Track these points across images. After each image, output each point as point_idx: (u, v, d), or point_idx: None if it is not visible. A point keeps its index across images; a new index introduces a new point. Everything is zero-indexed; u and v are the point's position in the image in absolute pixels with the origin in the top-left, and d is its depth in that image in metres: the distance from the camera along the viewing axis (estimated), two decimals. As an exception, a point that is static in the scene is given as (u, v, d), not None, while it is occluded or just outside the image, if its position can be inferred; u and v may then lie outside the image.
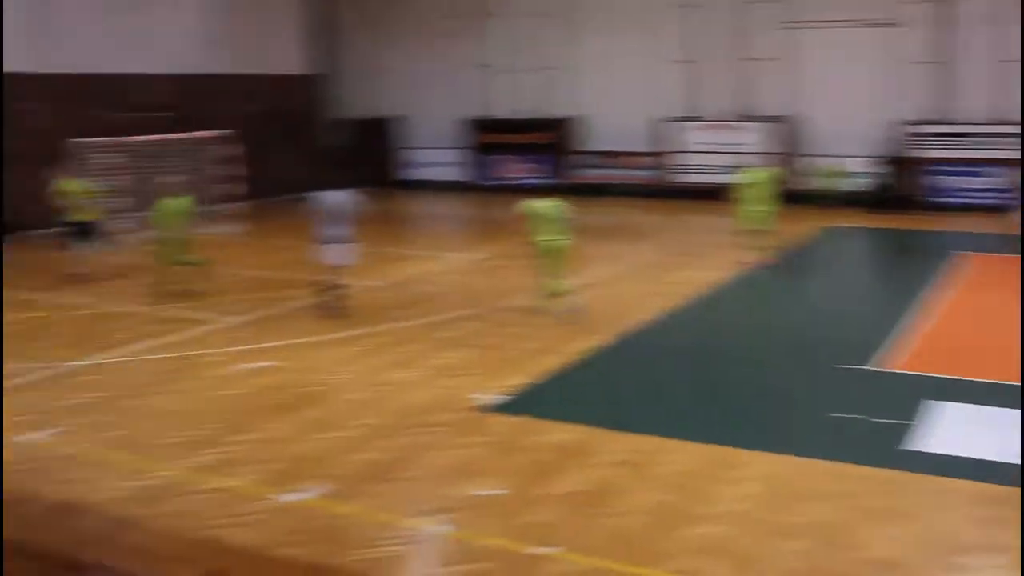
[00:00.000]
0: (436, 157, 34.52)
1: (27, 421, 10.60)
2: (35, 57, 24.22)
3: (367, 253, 20.90)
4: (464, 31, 33.62)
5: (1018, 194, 24.24)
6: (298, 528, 7.99)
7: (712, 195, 29.31)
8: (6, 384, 11.94)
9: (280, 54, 31.87)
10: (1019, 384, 11.27)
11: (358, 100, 35.56)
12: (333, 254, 15.09)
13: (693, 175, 30.56)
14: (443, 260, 20.62)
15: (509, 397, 11.31)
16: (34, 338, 14.29)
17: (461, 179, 33.96)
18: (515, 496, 8.54)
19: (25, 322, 15.21)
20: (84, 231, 18.71)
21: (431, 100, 34.48)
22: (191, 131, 25.56)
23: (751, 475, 8.95)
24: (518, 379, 11.97)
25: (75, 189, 18.72)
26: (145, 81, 27.34)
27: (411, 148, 35.10)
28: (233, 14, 29.60)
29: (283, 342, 13.91)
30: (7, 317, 15.40)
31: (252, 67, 30.62)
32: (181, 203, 17.38)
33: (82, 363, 12.91)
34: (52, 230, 20.79)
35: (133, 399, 11.42)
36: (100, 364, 12.90)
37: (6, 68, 23.95)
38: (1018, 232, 21.20)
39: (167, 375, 12.39)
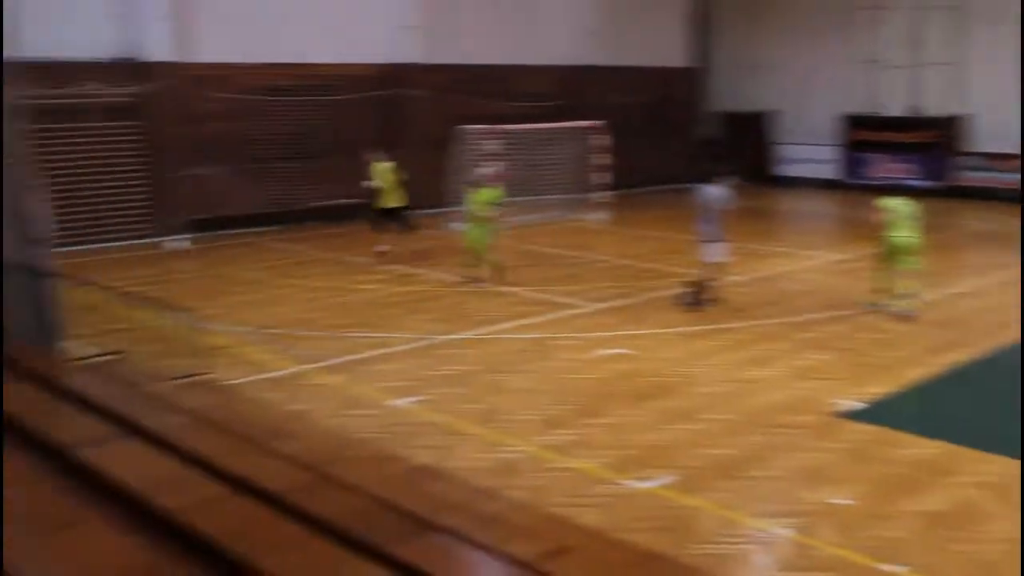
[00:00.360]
0: (810, 154, 33.58)
1: (398, 387, 11.35)
2: (428, 49, 25.75)
3: (734, 248, 20.84)
4: (845, 25, 32.45)
5: None
6: (642, 515, 8.07)
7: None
8: (385, 351, 12.83)
9: (660, 47, 32.18)
10: None
11: (734, 94, 35.27)
12: (713, 251, 15.11)
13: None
14: (809, 259, 20.10)
15: (869, 405, 10.88)
16: (412, 311, 15.23)
17: (835, 177, 32.88)
18: (866, 508, 8.22)
19: (405, 295, 16.25)
20: (390, 215, 19.59)
21: (808, 95, 33.57)
22: (569, 121, 26.31)
23: None
24: (880, 387, 11.48)
25: (388, 174, 19.60)
26: (528, 72, 28.44)
27: (785, 144, 34.36)
28: (615, 7, 30.15)
29: (643, 331, 14.05)
30: (390, 289, 16.55)
31: (630, 59, 31.09)
32: (490, 194, 17.69)
33: (451, 337, 13.63)
34: (435, 211, 22.13)
35: (495, 375, 11.93)
36: (467, 339, 13.56)
37: (400, 59, 25.59)
38: None
39: (528, 354, 12.85)
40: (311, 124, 24.44)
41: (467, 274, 17.42)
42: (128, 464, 5.86)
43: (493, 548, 5.40)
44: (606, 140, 25.16)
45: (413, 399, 10.94)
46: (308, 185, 24.08)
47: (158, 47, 21.55)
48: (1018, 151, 29.18)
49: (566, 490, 8.54)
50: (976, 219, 25.77)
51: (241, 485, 5.71)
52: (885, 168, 31.66)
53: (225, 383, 10.69)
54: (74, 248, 19.05)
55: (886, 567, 7.20)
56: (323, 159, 24.54)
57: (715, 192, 15.18)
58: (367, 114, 25.28)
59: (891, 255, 14.80)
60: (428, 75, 26.04)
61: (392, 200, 19.61)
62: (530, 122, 25.29)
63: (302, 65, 23.82)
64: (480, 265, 17.33)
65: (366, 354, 12.72)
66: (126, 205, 21.40)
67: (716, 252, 15.20)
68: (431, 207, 24.46)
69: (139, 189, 21.61)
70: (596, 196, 25.26)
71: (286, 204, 23.70)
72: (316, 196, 24.16)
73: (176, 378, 9.72)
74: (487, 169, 20.18)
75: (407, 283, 17.23)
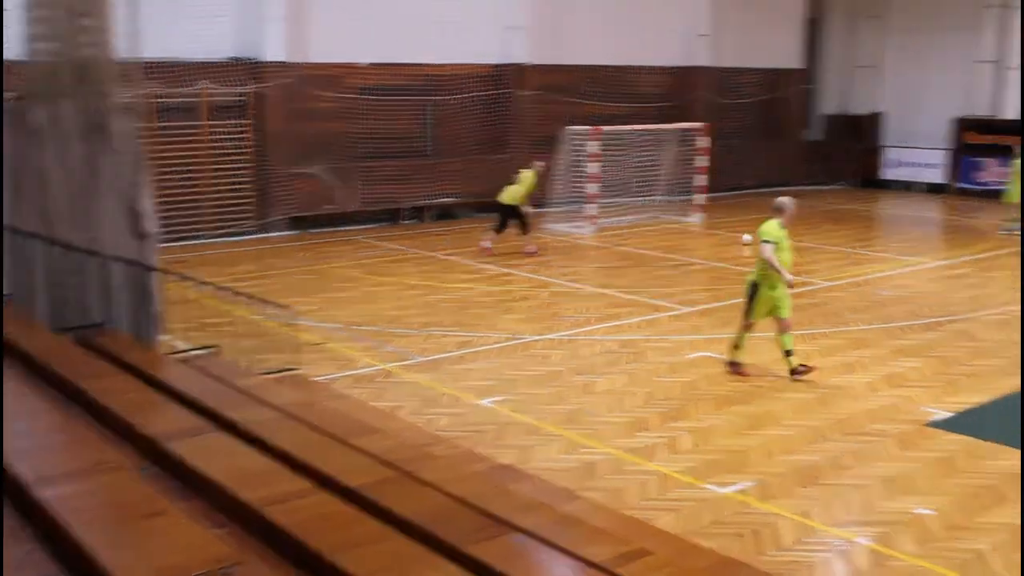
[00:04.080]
0: (918, 157, 32.94)
1: (485, 386, 11.51)
2: (535, 50, 25.91)
3: (832, 253, 20.62)
4: (959, 25, 31.76)
5: None
6: (720, 520, 8.10)
7: None
8: (474, 350, 13.01)
9: (769, 48, 31.77)
10: None
11: (843, 96, 34.78)
12: None
13: None
14: (909, 264, 19.76)
15: (958, 414, 10.73)
16: (505, 310, 15.39)
17: (943, 181, 32.20)
18: (948, 519, 8.13)
19: (499, 294, 16.41)
20: (515, 214, 19.92)
21: (918, 97, 32.93)
22: (676, 122, 26.27)
23: None
24: (973, 397, 11.31)
25: (528, 180, 19.95)
26: (636, 73, 28.45)
27: (893, 147, 33.75)
28: (724, 7, 29.95)
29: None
30: (483, 288, 16.74)
31: (740, 60, 30.84)
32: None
33: (542, 337, 13.75)
34: (540, 209, 22.34)
35: (582, 376, 12.02)
36: (556, 340, 13.67)
37: (510, 59, 25.82)
38: None
39: (616, 356, 12.91)
40: (417, 124, 24.79)
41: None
42: (215, 457, 6.08)
43: (569, 550, 5.51)
44: (708, 142, 25.07)
45: (499, 399, 11.08)
46: (412, 184, 24.40)
47: (272, 47, 22.05)
48: None
49: (646, 493, 8.61)
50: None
51: (324, 481, 5.89)
52: (996, 172, 30.90)
53: (315, 379, 10.97)
54: (177, 244, 19.61)
55: (966, 580, 7.15)
56: (428, 159, 24.87)
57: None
58: (474, 114, 25.54)
59: None
60: (535, 75, 26.15)
61: (521, 200, 19.93)
62: (637, 123, 25.32)
63: (410, 65, 24.13)
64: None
65: (454, 352, 12.92)
66: (231, 201, 21.95)
67: None
68: (535, 207, 24.65)
69: (245, 185, 22.14)
70: (697, 198, 25.17)
71: (389, 202, 24.04)
72: (419, 195, 24.49)
73: (267, 373, 10.02)
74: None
75: (500, 282, 17.40)
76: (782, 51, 32.27)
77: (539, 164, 20.60)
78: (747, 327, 12.11)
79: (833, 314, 15.31)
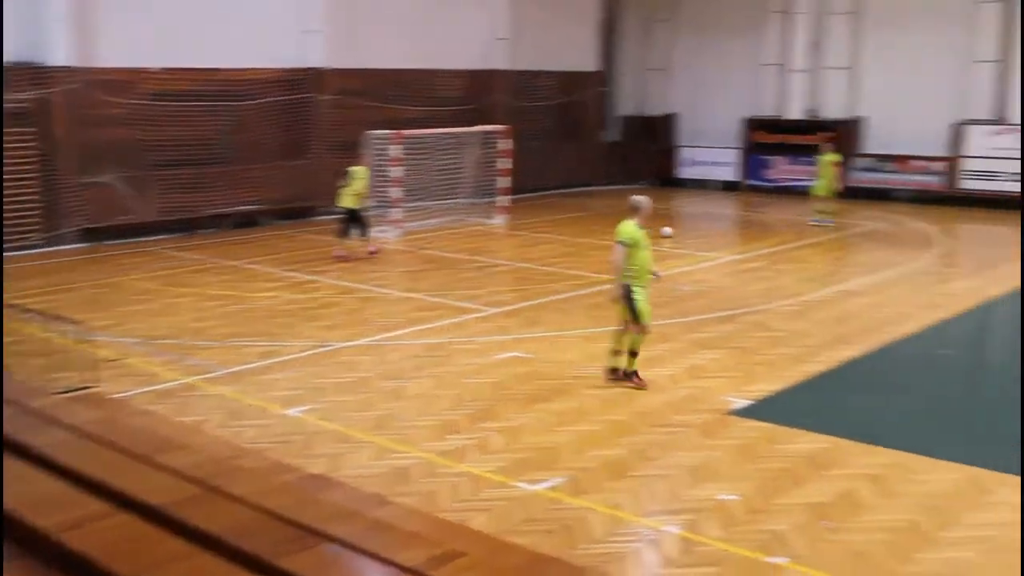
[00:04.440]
0: (711, 156, 34.17)
1: (292, 396, 11.30)
2: (334, 54, 25.63)
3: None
4: (746, 29, 33.12)
5: None
6: (533, 518, 8.17)
7: (1003, 204, 27.85)
8: (278, 360, 12.76)
9: (567, 52, 32.35)
10: None
11: (639, 98, 35.76)
12: None
13: (985, 182, 28.93)
14: (705, 260, 20.44)
15: (757, 402, 11.14)
16: (311, 317, 15.16)
17: (735, 179, 33.49)
18: (751, 502, 8.42)
19: (304, 302, 16.15)
20: (355, 218, 19.83)
21: (711, 99, 34.19)
22: (477, 125, 26.42)
23: (1008, 501, 8.47)
24: (770, 384, 11.76)
25: (361, 178, 19.82)
26: (436, 76, 28.49)
27: (687, 147, 34.89)
28: (522, 12, 30.30)
29: (539, 334, 14.19)
30: (289, 296, 16.45)
31: (538, 63, 31.27)
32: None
33: (349, 344, 13.60)
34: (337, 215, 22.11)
35: (391, 381, 11.95)
36: (364, 346, 13.54)
37: (309, 64, 25.48)
38: None
39: (425, 360, 12.88)
40: (214, 130, 24.11)
41: None
42: (6, 485, 5.76)
43: (382, 555, 5.44)
44: (509, 144, 25.33)
45: (307, 407, 10.90)
46: (210, 192, 23.76)
47: (57, 51, 21.09)
48: (911, 153, 30.08)
49: (458, 495, 8.61)
50: (868, 219, 26.43)
51: (125, 501, 5.65)
52: (785, 170, 32.33)
53: (113, 396, 10.55)
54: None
55: (770, 559, 7.41)
56: (226, 165, 24.24)
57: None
58: (272, 119, 25.04)
59: None
60: (334, 79, 25.86)
61: (357, 201, 19.83)
62: (438, 126, 25.36)
63: (204, 70, 23.49)
64: None
65: (259, 363, 12.63)
66: (17, 214, 20.91)
67: None
68: (337, 212, 24.39)
69: (31, 197, 21.12)
70: (499, 200, 25.41)
71: (187, 211, 23.34)
72: (217, 203, 23.86)
73: (62, 392, 9.58)
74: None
75: (306, 290, 17.13)
76: (579, 54, 32.91)
77: (365, 162, 20.65)
78: (642, 330, 11.78)
79: (635, 310, 15.65)
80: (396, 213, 23.02)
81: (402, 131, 23.27)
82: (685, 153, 34.85)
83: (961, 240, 24.80)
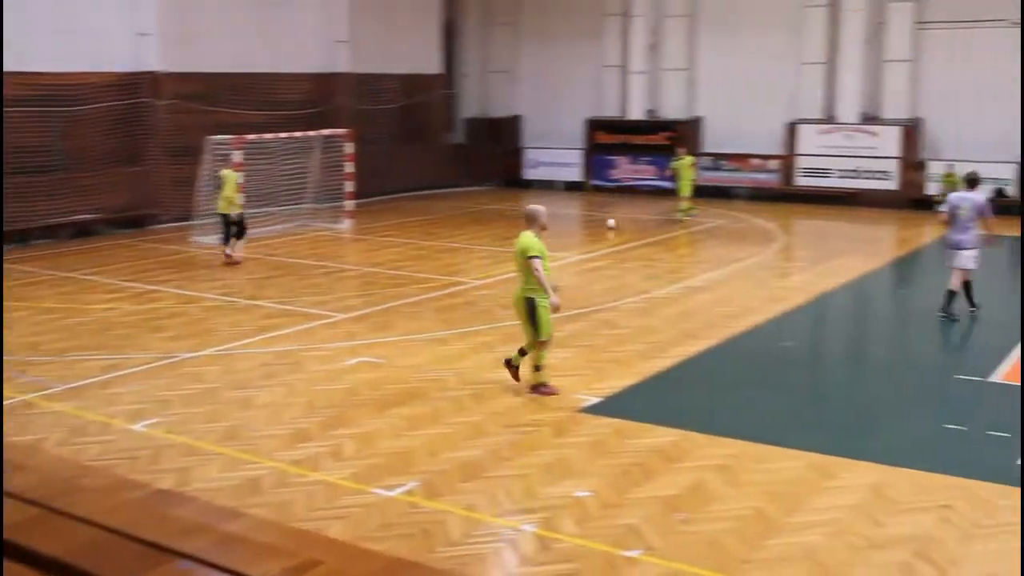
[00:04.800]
0: (555, 157, 34.55)
1: (136, 410, 10.95)
2: (170, 56, 25.00)
3: (480, 252, 21.20)
4: (587, 32, 33.60)
5: None
6: (389, 523, 8.10)
7: (836, 200, 28.97)
8: (121, 374, 12.36)
9: (411, 54, 32.22)
10: None
11: (485, 100, 35.91)
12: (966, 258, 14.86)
13: (818, 179, 30.00)
14: (553, 260, 20.51)
15: (607, 399, 11.28)
16: (153, 328, 14.73)
17: (580, 180, 33.93)
18: (605, 498, 8.52)
19: (145, 313, 15.70)
20: (230, 223, 19.73)
21: (553, 100, 34.59)
22: (321, 129, 26.11)
23: (850, 485, 8.77)
24: (620, 381, 11.93)
25: (230, 182, 19.70)
26: (278, 80, 28.04)
27: (532, 148, 35.19)
28: (365, 15, 30.08)
29: (390, 338, 14.10)
30: (130, 307, 15.96)
31: (382, 66, 31.07)
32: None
33: (195, 354, 13.27)
34: (184, 223, 21.61)
35: (239, 391, 11.70)
36: (210, 356, 13.23)
37: (143, 67, 24.79)
38: None
39: (273, 368, 12.65)
40: (45, 137, 23.21)
41: None
42: None
43: (235, 569, 5.31)
44: (353, 148, 25.12)
45: (152, 421, 10.58)
46: (43, 201, 22.83)
47: None
48: (748, 152, 31.00)
49: (312, 504, 8.48)
50: (710, 216, 27.09)
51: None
52: (627, 170, 32.91)
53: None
54: None
55: (625, 553, 7.50)
56: (60, 174, 23.35)
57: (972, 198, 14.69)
58: (107, 125, 24.24)
59: None
60: (170, 84, 25.18)
61: (228, 206, 19.65)
62: (280, 131, 24.97)
63: (32, 74, 22.52)
64: None
65: (100, 377, 12.19)
66: None
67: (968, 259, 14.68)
68: (178, 219, 23.84)
69: None
70: (345, 204, 25.18)
71: (19, 222, 22.38)
72: (51, 213, 22.98)
73: None
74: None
75: (147, 300, 16.65)
76: (421, 57, 32.83)
77: (234, 164, 20.47)
78: (542, 345, 11.41)
79: (484, 312, 15.73)
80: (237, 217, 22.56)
81: (244, 136, 22.84)
82: (530, 154, 35.16)
83: (798, 235, 25.64)
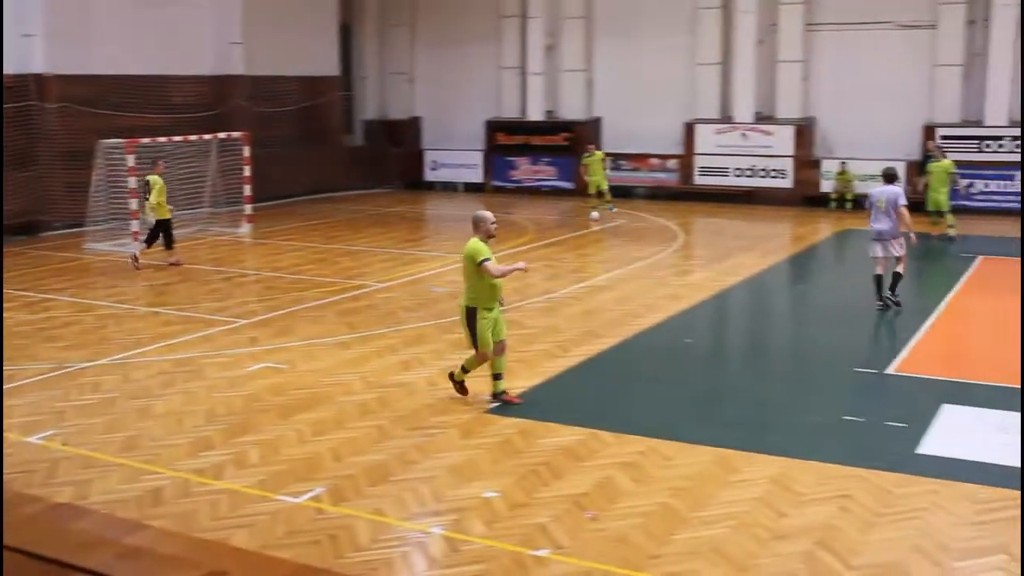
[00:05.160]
0: (456, 159, 34.52)
1: (30, 422, 10.65)
2: (57, 58, 24.36)
3: (382, 255, 21.09)
4: (485, 33, 33.64)
5: None
6: (295, 530, 8.00)
7: (733, 198, 29.45)
8: (14, 385, 12.00)
9: (308, 57, 31.84)
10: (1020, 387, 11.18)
11: (384, 102, 35.73)
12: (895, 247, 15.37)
13: (716, 178, 30.44)
14: (456, 262, 20.55)
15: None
16: (48, 338, 14.35)
17: (481, 181, 33.96)
18: (514, 498, 8.52)
19: (39, 322, 15.29)
20: (160, 227, 19.72)
21: (453, 102, 34.56)
22: (218, 132, 25.70)
23: (754, 478, 8.91)
24: (526, 381, 11.94)
25: (155, 187, 19.56)
26: (171, 82, 27.52)
27: (432, 149, 35.11)
28: (261, 16, 29.67)
29: (292, 343, 13.93)
30: (23, 316, 15.52)
31: (279, 69, 30.68)
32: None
33: (91, 364, 12.96)
34: (79, 228, 21.10)
35: (138, 400, 11.45)
36: (108, 365, 12.94)
37: (34, 70, 24.14)
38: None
39: (173, 376, 12.41)
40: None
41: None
42: None
43: (138, 582, 5.18)
44: (250, 151, 24.77)
45: (48, 433, 10.29)
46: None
47: None
48: (647, 151, 31.34)
49: (217, 513, 8.33)
50: (609, 216, 27.31)
51: None
52: (528, 171, 33.02)
53: None
54: None
55: (534, 552, 7.51)
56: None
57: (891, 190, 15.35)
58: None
59: None
60: (58, 86, 24.51)
61: (159, 210, 19.53)
62: (177, 134, 24.50)
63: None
64: None
65: (-7, 389, 11.85)
66: None
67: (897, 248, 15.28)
68: (71, 225, 23.29)
69: None
70: (243, 209, 24.83)
71: None
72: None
73: None
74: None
75: (39, 309, 16.19)
76: (319, 59, 32.49)
77: (160, 167, 20.37)
78: (478, 357, 11.00)
79: (388, 314, 15.64)
80: (135, 225, 22.05)
81: (137, 139, 22.36)
82: (431, 156, 35.07)
83: (697, 234, 25.97)
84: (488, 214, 11.32)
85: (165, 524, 7.90)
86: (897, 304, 15.27)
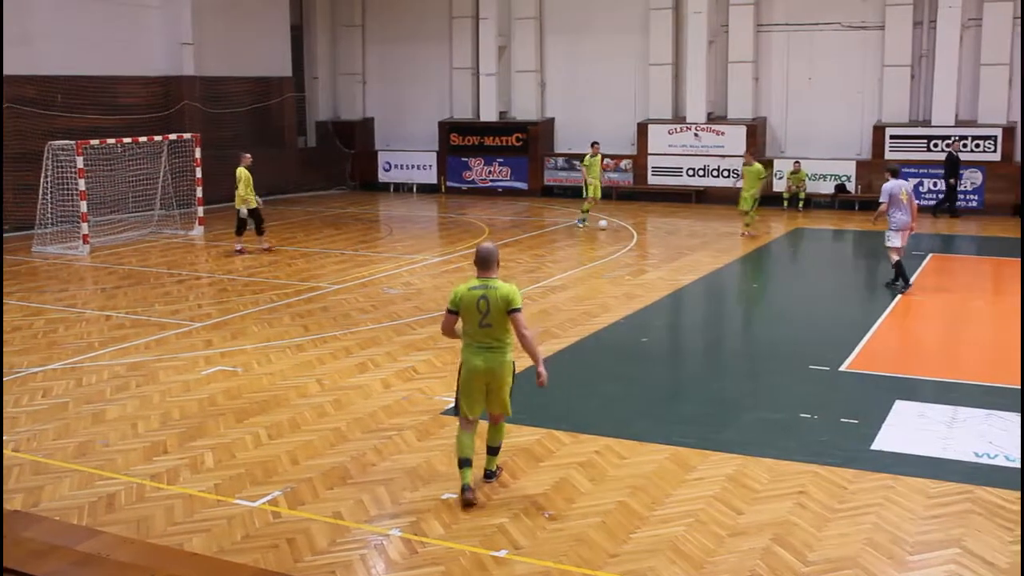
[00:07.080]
0: (410, 160, 34.46)
1: (-17, 428, 10.51)
2: (9, 59, 23.99)
3: (336, 256, 21.00)
4: (438, 34, 33.62)
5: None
6: (254, 533, 7.94)
7: (687, 198, 29.65)
8: (-36, 391, 11.84)
9: (260, 57, 31.65)
10: (978, 384, 11.33)
11: (337, 103, 35.60)
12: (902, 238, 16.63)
13: (669, 177, 30.59)
14: (411, 262, 20.56)
15: (471, 400, 11.26)
16: (-5, 344, 14.16)
17: (435, 182, 33.92)
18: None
19: (-13, 328, 15.09)
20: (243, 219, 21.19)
21: (406, 103, 34.54)
22: (168, 133, 25.46)
23: (710, 475, 8.97)
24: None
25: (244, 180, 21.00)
26: (119, 83, 27.23)
27: (385, 150, 35.02)
28: (209, 17, 29.43)
29: (247, 346, 13.83)
30: (-31, 323, 15.31)
31: (230, 70, 30.45)
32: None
33: (42, 368, 12.79)
34: (27, 231, 20.81)
35: (90, 405, 11.31)
36: (60, 369, 12.78)
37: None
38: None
39: (125, 380, 12.27)
40: None
41: None
42: None
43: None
44: (201, 153, 24.58)
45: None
46: None
47: None
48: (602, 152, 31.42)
49: (172, 518, 8.24)
50: (565, 216, 27.38)
51: None
52: (482, 172, 33.02)
53: None
54: None
55: (493, 553, 7.51)
56: None
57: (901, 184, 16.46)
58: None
59: None
60: (6, 87, 24.16)
61: (252, 203, 21.13)
62: (125, 136, 24.24)
63: None
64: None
65: (-58, 396, 11.68)
66: None
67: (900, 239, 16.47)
68: (19, 228, 22.99)
69: None
70: (195, 211, 24.63)
71: None
72: None
73: None
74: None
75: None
76: (270, 59, 32.30)
77: (247, 159, 21.39)
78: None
79: (342, 316, 15.57)
80: (84, 228, 21.83)
81: (85, 141, 22.11)
82: (384, 157, 34.97)
83: (652, 233, 26.04)
84: (493, 248, 8.90)
85: (119, 530, 7.83)
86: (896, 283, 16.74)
